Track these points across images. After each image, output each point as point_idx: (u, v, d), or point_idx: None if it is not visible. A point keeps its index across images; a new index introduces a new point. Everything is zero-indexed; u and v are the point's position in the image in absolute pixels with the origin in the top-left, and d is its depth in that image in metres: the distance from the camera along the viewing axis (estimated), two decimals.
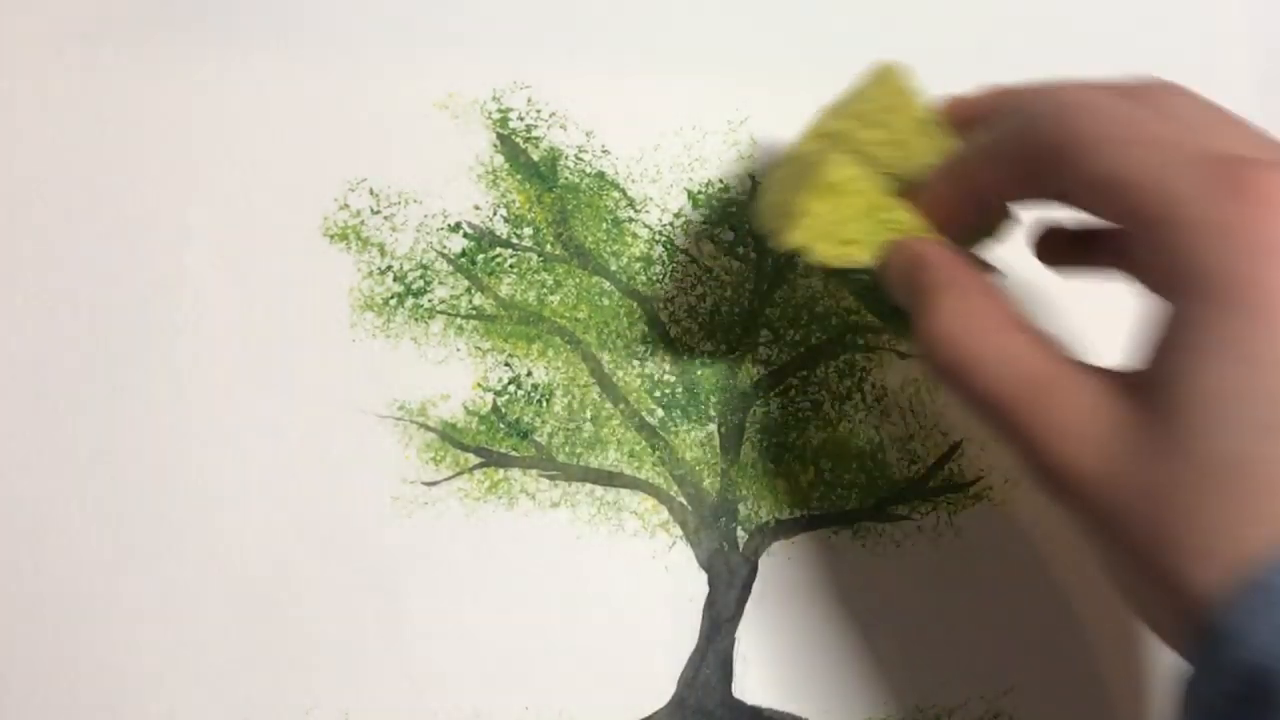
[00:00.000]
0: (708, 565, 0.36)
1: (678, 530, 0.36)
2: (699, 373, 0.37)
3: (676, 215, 0.38)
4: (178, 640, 0.35)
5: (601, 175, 0.38)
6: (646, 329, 0.37)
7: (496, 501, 0.36)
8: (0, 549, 0.35)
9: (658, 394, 0.37)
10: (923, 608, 0.36)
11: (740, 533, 0.36)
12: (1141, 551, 0.22)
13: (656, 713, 0.35)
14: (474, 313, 0.37)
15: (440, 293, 0.37)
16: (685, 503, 0.36)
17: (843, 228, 0.29)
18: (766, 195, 0.35)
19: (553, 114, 0.38)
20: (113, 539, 0.35)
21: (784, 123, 0.35)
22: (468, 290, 0.37)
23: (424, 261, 0.37)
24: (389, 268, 0.37)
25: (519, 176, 0.38)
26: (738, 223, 0.38)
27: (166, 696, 0.34)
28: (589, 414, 0.37)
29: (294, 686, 0.35)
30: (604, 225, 0.38)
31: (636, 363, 0.37)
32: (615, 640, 0.36)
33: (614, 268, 0.37)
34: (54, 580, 0.35)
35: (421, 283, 0.37)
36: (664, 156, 0.38)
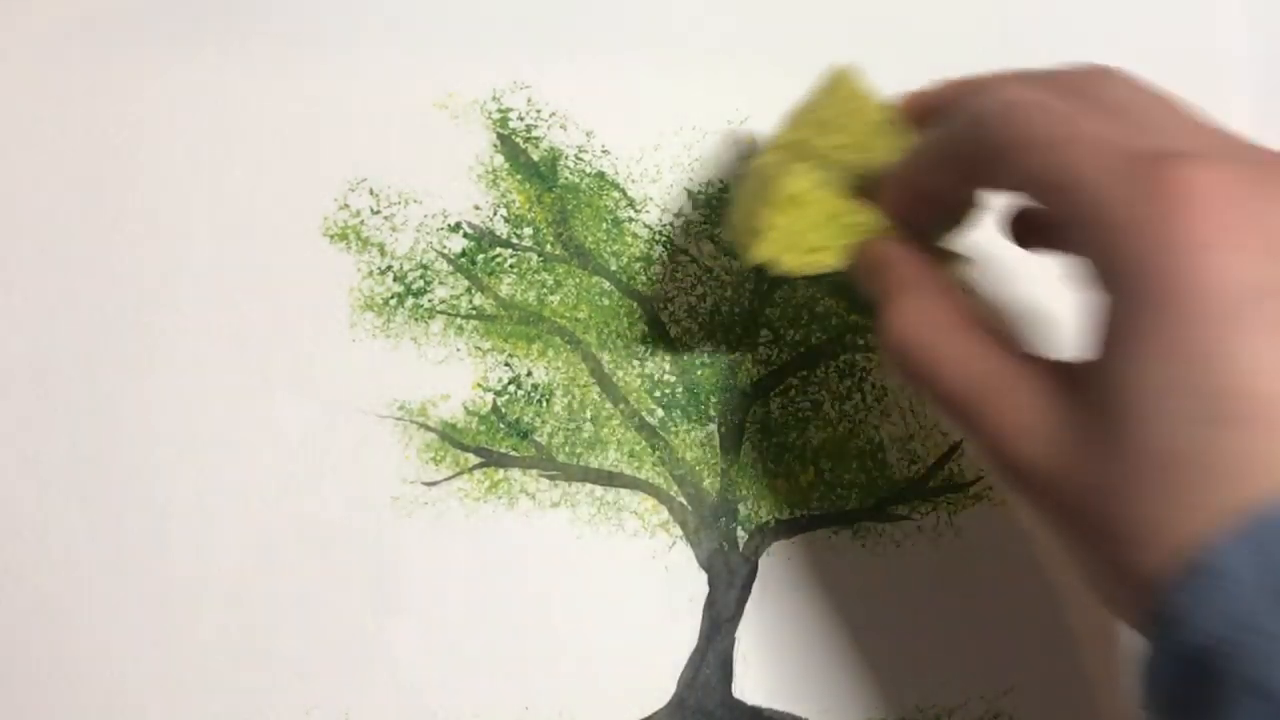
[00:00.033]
0: (708, 565, 0.36)
1: (678, 530, 0.36)
2: (699, 373, 0.37)
3: (676, 215, 0.38)
4: (177, 640, 0.35)
5: (601, 175, 0.38)
6: (646, 329, 0.37)
7: (496, 501, 0.36)
8: (0, 549, 0.35)
9: (658, 394, 0.37)
10: (923, 608, 0.36)
11: (740, 533, 0.36)
12: (1095, 542, 0.23)
13: (656, 713, 0.35)
14: (474, 313, 0.37)
15: (440, 293, 0.37)
16: (685, 503, 0.36)
17: (806, 237, 0.30)
18: (734, 211, 0.35)
19: (553, 114, 0.38)
20: (112, 538, 0.35)
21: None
22: (468, 290, 0.37)
23: (424, 261, 0.37)
24: (389, 268, 0.37)
25: (519, 176, 0.38)
26: None
27: (166, 696, 0.34)
28: (589, 414, 0.37)
29: (294, 686, 0.35)
30: (604, 225, 0.38)
31: (636, 363, 0.37)
32: (615, 640, 0.36)
33: (614, 268, 0.37)
34: (54, 580, 0.35)
35: (421, 283, 0.37)
36: (664, 156, 0.38)
